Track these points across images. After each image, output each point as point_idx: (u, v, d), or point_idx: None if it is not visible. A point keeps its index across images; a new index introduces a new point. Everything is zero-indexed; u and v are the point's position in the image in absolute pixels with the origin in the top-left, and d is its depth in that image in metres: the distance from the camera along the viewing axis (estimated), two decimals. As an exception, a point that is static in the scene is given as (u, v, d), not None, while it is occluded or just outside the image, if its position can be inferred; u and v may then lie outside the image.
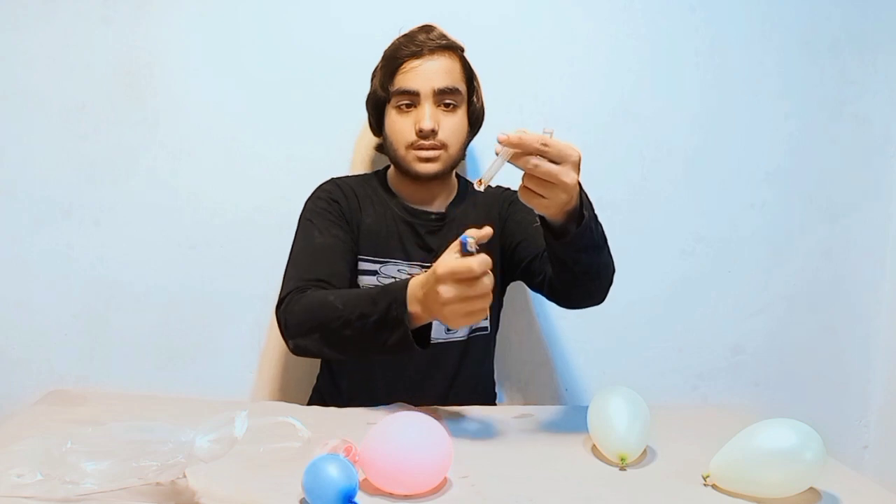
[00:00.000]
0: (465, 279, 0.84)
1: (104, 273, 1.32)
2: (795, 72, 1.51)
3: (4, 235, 1.29)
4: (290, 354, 1.38)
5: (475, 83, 1.21)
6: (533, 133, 0.82)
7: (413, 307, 0.91)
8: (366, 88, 1.23)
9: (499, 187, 1.28)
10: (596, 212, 0.97)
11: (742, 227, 1.53)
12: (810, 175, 1.54)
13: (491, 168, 0.86)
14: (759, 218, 1.53)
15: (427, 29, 1.16)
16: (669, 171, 1.49)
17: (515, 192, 1.23)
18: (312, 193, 1.20)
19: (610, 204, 1.47)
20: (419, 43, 1.13)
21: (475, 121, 1.22)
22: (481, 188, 0.87)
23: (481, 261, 0.84)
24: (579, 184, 0.89)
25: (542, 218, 0.95)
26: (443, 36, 1.15)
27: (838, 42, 1.52)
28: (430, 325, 0.95)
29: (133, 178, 1.31)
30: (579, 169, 0.86)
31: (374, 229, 1.18)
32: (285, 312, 1.03)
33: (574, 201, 0.90)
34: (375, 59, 1.21)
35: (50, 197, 1.30)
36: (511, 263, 1.22)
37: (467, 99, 1.19)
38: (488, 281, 0.85)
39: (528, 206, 0.90)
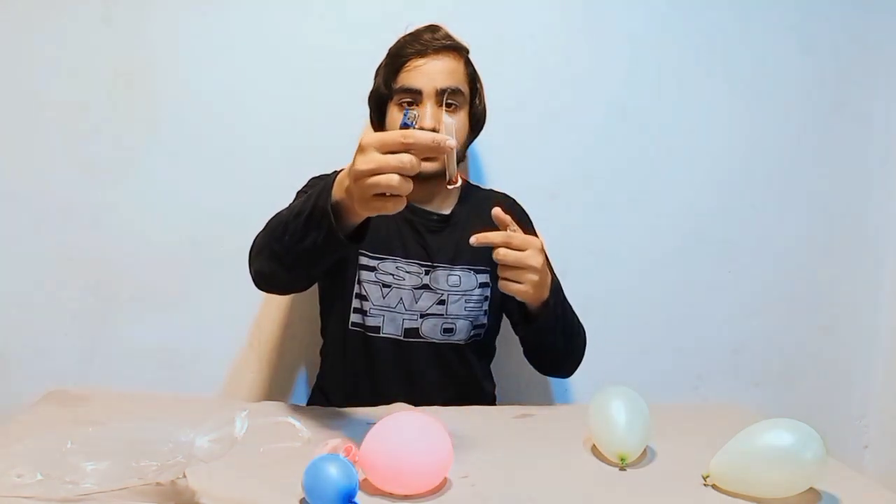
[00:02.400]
0: (390, 150, 0.75)
1: (104, 273, 1.32)
2: (795, 72, 1.51)
3: (4, 235, 1.29)
4: (290, 354, 1.40)
5: (478, 85, 1.21)
6: (498, 232, 0.96)
7: (338, 194, 0.82)
8: (366, 88, 1.23)
9: (507, 197, 1.29)
10: (568, 302, 1.13)
11: (742, 227, 1.53)
12: (810, 175, 1.55)
13: (451, 165, 0.88)
14: (759, 218, 1.53)
15: (433, 29, 1.16)
16: (669, 171, 1.49)
17: (523, 210, 1.28)
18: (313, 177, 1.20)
19: (610, 204, 1.47)
20: (424, 42, 1.14)
21: (476, 123, 1.21)
22: (458, 184, 0.90)
23: (415, 133, 0.76)
24: (551, 273, 1.04)
25: (521, 304, 1.04)
26: (448, 36, 1.16)
27: (838, 42, 1.52)
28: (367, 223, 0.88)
29: (133, 178, 1.31)
30: (544, 254, 0.98)
31: (373, 225, 1.17)
32: (251, 247, 1.02)
33: (547, 292, 1.01)
34: (376, 57, 1.21)
35: (50, 197, 1.30)
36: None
37: (470, 100, 1.19)
38: (409, 159, 0.75)
39: (509, 294, 0.98)
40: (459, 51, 1.17)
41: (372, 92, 1.22)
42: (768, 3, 1.49)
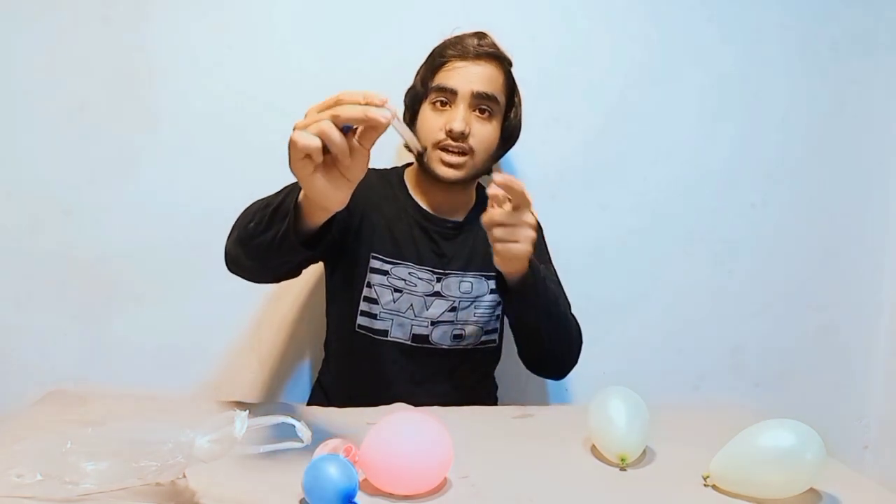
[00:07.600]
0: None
1: (104, 273, 1.32)
2: (796, 72, 1.51)
3: (4, 235, 1.29)
4: (290, 354, 1.40)
5: (516, 98, 1.20)
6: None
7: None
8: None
9: None
10: (560, 292, 1.15)
11: (742, 227, 1.53)
12: (810, 175, 1.55)
13: (405, 134, 0.82)
14: (759, 218, 1.53)
15: (480, 35, 1.15)
16: (669, 171, 1.49)
17: (538, 222, 1.25)
18: None
19: (610, 204, 1.47)
20: (468, 45, 1.13)
21: (508, 136, 1.20)
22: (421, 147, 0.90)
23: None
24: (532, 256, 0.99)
25: (499, 281, 1.03)
26: (493, 45, 1.15)
27: (838, 42, 1.52)
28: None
29: (133, 178, 1.31)
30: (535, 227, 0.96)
31: (389, 229, 1.17)
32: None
33: (527, 264, 0.99)
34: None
35: (50, 197, 1.30)
36: None
37: (504, 111, 1.18)
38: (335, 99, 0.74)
39: (506, 257, 0.97)
40: (501, 61, 1.16)
41: (409, 90, 1.20)
42: (768, 3, 1.49)
